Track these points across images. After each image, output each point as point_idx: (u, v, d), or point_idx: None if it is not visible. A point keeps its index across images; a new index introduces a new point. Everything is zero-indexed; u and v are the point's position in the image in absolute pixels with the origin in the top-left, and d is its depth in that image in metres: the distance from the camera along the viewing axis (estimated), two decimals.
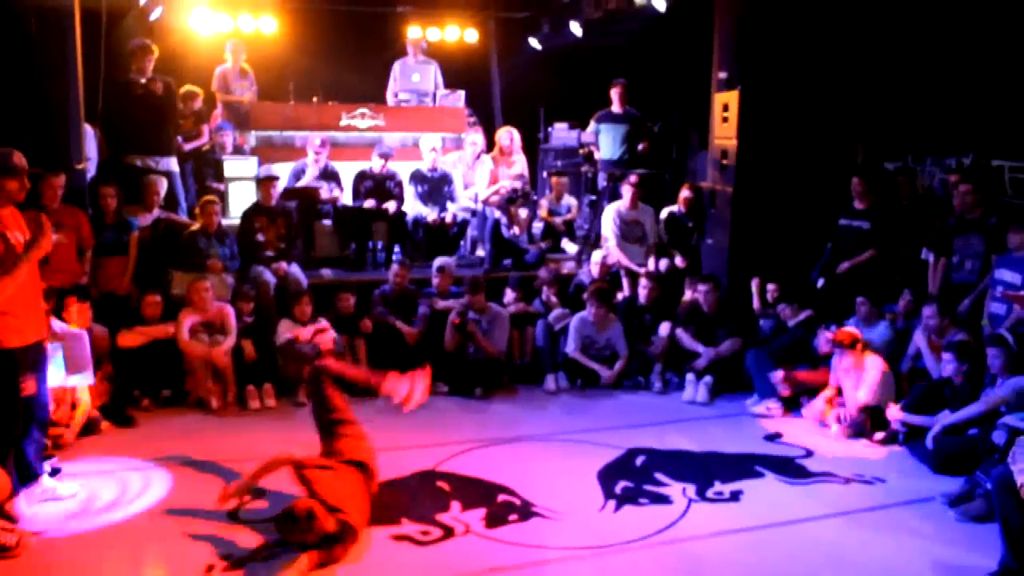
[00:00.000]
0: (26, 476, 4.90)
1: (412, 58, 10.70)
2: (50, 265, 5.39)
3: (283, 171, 9.11)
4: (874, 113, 9.06)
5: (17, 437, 4.80)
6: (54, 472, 5.37)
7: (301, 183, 9.00)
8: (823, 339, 7.08)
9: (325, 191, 9.05)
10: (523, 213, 9.19)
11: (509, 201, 9.00)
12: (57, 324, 5.24)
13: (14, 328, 4.65)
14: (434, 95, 10.65)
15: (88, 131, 7.79)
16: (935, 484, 5.59)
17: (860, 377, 6.62)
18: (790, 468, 5.95)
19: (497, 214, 9.06)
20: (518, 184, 9.08)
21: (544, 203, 9.74)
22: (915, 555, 4.73)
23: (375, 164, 9.12)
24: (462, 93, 10.72)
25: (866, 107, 8.94)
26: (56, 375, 5.52)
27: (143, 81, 8.21)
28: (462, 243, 9.54)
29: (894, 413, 6.34)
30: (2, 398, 4.70)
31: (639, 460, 6.03)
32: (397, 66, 10.70)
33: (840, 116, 8.57)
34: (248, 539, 4.71)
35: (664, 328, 7.82)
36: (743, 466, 5.95)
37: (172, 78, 8.57)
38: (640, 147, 9.95)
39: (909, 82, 8.83)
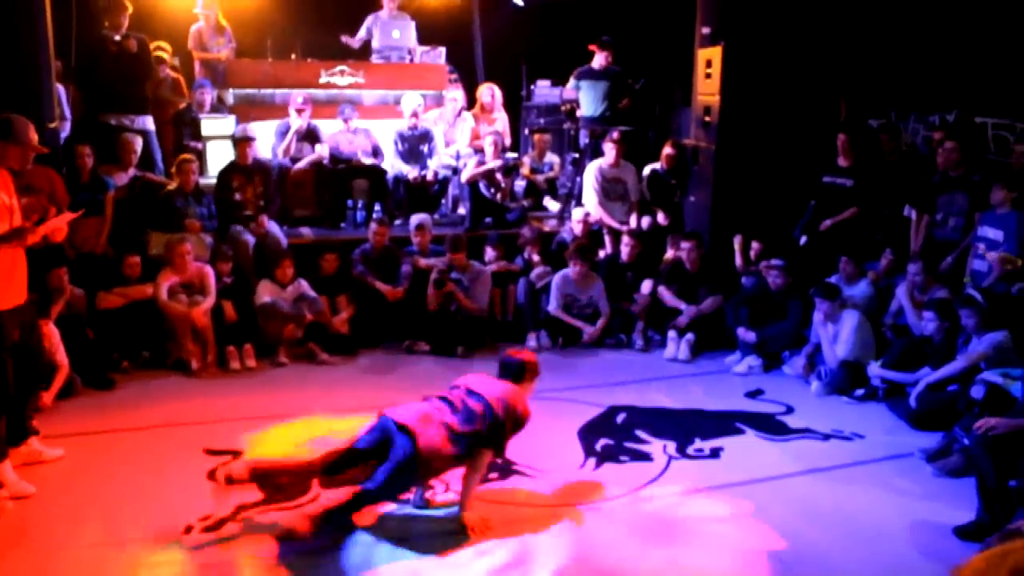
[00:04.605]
0: (13, 438, 4.87)
1: (387, 12, 10.41)
2: None
3: (261, 130, 9.00)
4: (857, 69, 9.00)
5: (11, 400, 4.76)
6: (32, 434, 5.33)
7: (284, 144, 8.89)
8: (771, 275, 7.24)
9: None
10: (506, 181, 9.09)
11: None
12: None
13: None
14: (410, 52, 10.43)
15: (60, 90, 7.63)
16: (913, 440, 5.64)
17: (837, 332, 6.65)
18: (770, 424, 5.99)
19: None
20: (498, 162, 8.90)
21: (526, 161, 9.65)
22: (892, 510, 4.77)
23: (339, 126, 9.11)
24: (443, 50, 10.55)
25: (849, 63, 8.87)
26: None
27: (117, 38, 8.03)
28: (443, 201, 9.47)
29: (874, 370, 6.38)
30: None
31: (620, 417, 6.05)
32: (371, 19, 10.39)
33: (823, 72, 8.49)
34: (225, 500, 4.69)
35: (646, 286, 7.82)
36: (724, 423, 5.98)
37: (145, 35, 8.40)
38: (621, 103, 9.86)
39: (892, 38, 8.76)
